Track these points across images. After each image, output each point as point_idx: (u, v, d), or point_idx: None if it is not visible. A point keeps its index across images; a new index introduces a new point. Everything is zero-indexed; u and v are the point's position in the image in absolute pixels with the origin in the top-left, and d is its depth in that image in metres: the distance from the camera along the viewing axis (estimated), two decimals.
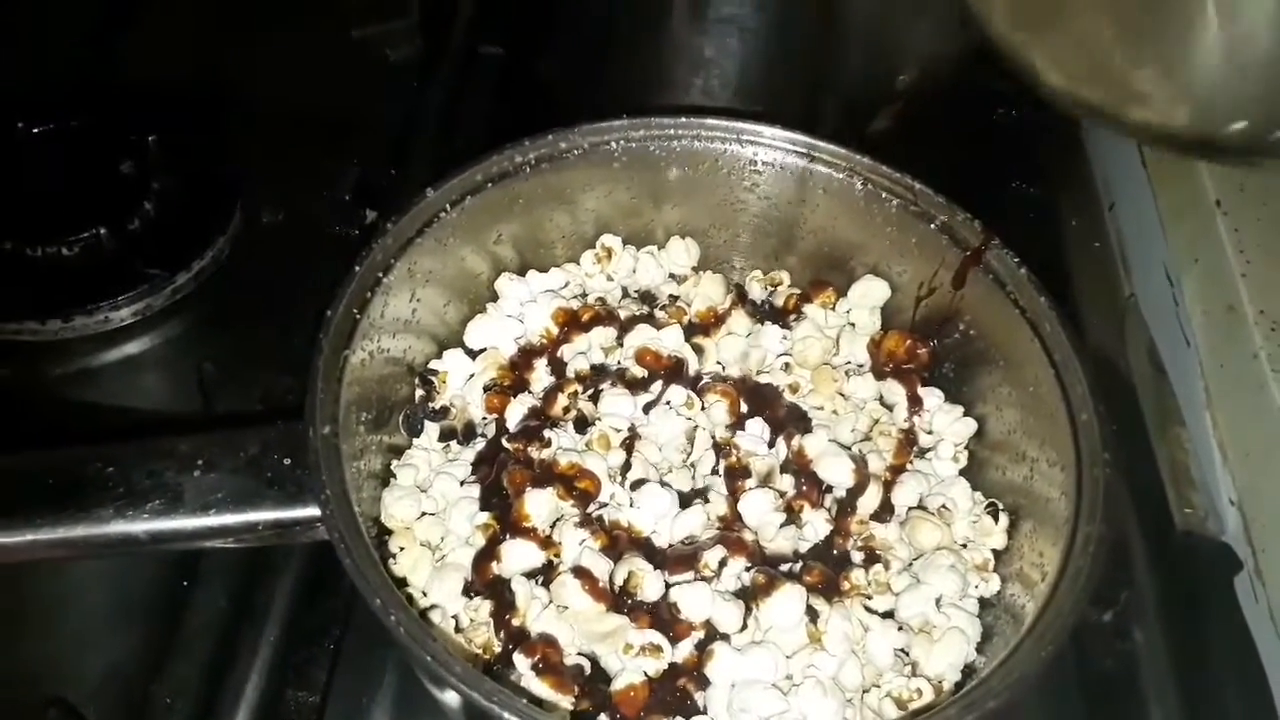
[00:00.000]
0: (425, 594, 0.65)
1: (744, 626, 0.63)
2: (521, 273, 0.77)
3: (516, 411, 0.71)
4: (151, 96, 0.99)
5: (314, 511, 0.56)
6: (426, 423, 0.71)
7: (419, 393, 0.72)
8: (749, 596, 0.64)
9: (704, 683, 0.61)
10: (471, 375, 0.73)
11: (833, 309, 0.78)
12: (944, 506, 0.68)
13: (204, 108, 0.99)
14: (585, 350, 0.74)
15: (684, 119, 0.73)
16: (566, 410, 0.71)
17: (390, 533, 0.67)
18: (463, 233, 0.70)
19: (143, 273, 0.88)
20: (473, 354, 0.75)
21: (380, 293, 0.64)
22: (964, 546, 0.68)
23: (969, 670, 0.63)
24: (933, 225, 0.71)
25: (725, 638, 0.63)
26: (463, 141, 1.03)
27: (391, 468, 0.69)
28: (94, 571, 0.75)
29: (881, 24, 1.01)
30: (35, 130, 0.93)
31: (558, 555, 0.65)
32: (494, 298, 0.76)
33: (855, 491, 0.68)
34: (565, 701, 0.61)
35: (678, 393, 0.72)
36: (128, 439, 0.58)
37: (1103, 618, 0.76)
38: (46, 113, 0.94)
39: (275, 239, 0.95)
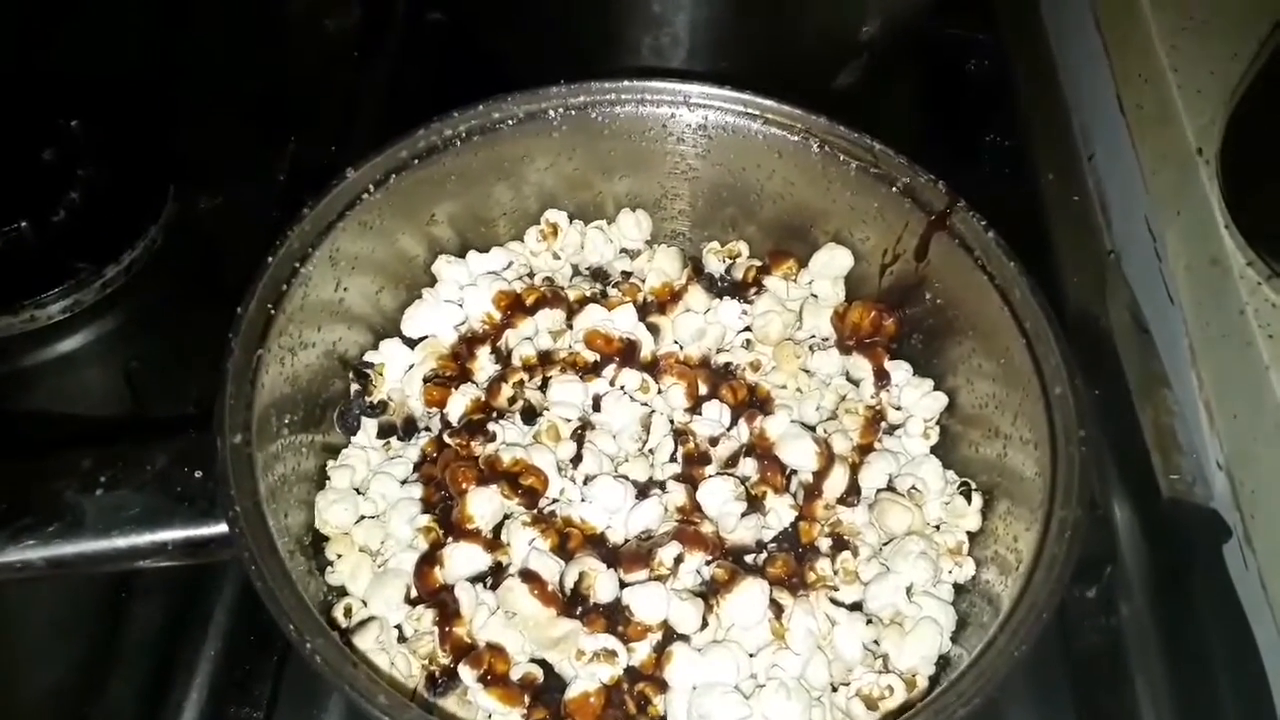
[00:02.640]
0: (365, 603, 0.61)
1: (704, 625, 0.59)
2: (462, 254, 0.72)
3: (459, 404, 0.67)
4: (75, 78, 0.93)
5: (225, 529, 0.52)
6: (363, 419, 0.67)
7: (354, 387, 0.67)
8: (711, 592, 0.60)
9: (663, 686, 0.58)
10: (411, 366, 0.69)
11: (794, 280, 0.74)
12: (914, 488, 0.65)
13: (131, 88, 0.94)
14: (531, 335, 0.70)
15: (626, 83, 0.68)
16: (512, 401, 0.67)
17: (327, 539, 0.63)
18: (391, 214, 0.66)
19: (70, 266, 0.83)
20: (412, 343, 0.70)
21: (298, 284, 0.60)
22: (937, 529, 0.65)
23: (944, 661, 0.59)
24: (895, 188, 0.66)
25: (684, 638, 0.59)
26: (408, 115, 0.97)
27: (327, 469, 0.65)
28: (25, 586, 0.71)
29: None
30: None
31: (505, 557, 0.61)
32: (433, 282, 0.72)
33: (820, 475, 0.65)
34: (516, 714, 0.57)
35: (631, 376, 0.68)
36: (24, 455, 0.54)
37: (1087, 594, 0.72)
38: None
39: (211, 225, 0.90)
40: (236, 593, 0.69)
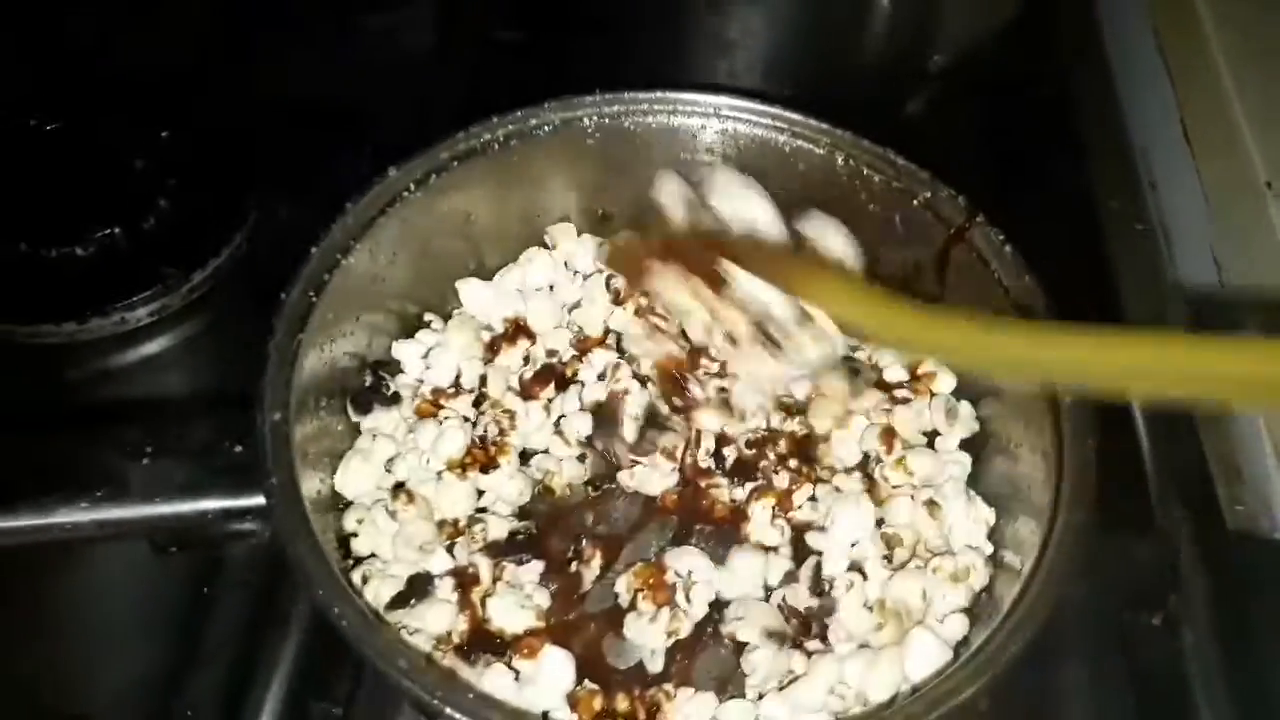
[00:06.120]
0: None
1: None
2: (496, 252, 0.75)
3: (452, 440, 0.67)
4: (164, 90, 0.97)
5: (262, 500, 0.55)
6: (377, 407, 0.68)
7: (368, 379, 0.70)
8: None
9: None
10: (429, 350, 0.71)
11: None
12: (932, 500, 0.64)
13: (218, 100, 0.98)
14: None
15: (659, 94, 0.71)
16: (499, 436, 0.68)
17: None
18: (430, 212, 0.69)
19: (159, 272, 0.85)
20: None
21: (339, 274, 0.63)
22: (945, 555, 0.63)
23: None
24: (916, 202, 0.67)
25: None
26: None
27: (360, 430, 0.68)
28: (111, 577, 0.73)
29: (913, 2, 0.98)
30: (47, 128, 0.91)
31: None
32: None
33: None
34: None
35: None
36: (77, 426, 0.58)
37: (1151, 621, 0.71)
38: (58, 109, 0.93)
39: (292, 234, 0.94)
40: None
